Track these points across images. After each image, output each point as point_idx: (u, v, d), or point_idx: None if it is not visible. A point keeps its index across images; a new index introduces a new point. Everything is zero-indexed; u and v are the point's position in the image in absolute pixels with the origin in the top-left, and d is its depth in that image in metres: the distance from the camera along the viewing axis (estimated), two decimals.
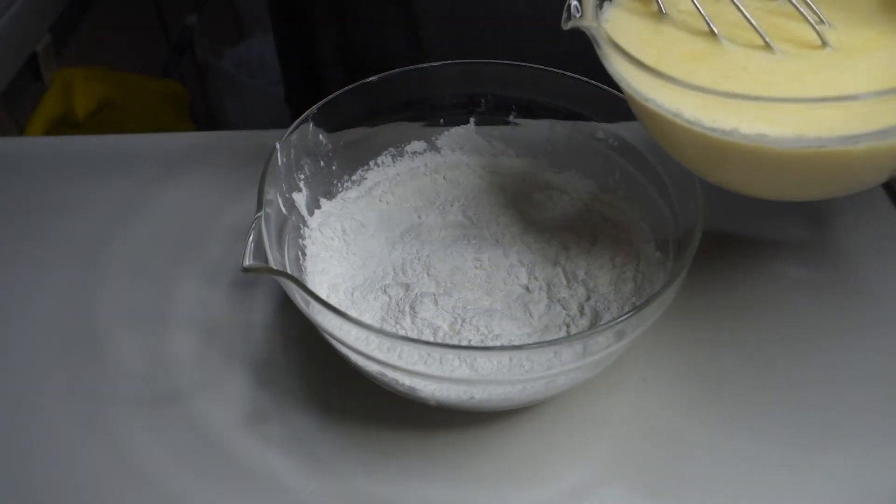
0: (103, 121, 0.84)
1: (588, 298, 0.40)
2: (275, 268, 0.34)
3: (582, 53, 0.37)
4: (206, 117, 1.21)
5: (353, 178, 0.47)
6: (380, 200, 0.46)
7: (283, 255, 0.39)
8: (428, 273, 0.41)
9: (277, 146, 0.40)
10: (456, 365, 0.35)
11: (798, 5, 0.33)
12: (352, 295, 0.40)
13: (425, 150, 0.48)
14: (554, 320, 0.39)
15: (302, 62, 0.70)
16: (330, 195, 0.46)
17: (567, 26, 0.35)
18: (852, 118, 0.29)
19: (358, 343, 0.34)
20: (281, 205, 0.40)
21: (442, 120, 0.48)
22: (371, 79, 0.44)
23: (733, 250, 0.47)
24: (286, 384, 0.40)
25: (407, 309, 0.39)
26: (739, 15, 0.34)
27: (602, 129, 0.45)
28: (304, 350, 0.42)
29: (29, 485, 0.36)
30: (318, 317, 0.34)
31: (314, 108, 0.42)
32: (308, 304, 0.34)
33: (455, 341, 0.38)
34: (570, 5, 0.35)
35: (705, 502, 0.35)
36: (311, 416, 0.39)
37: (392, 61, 0.43)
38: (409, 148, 0.48)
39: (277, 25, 0.72)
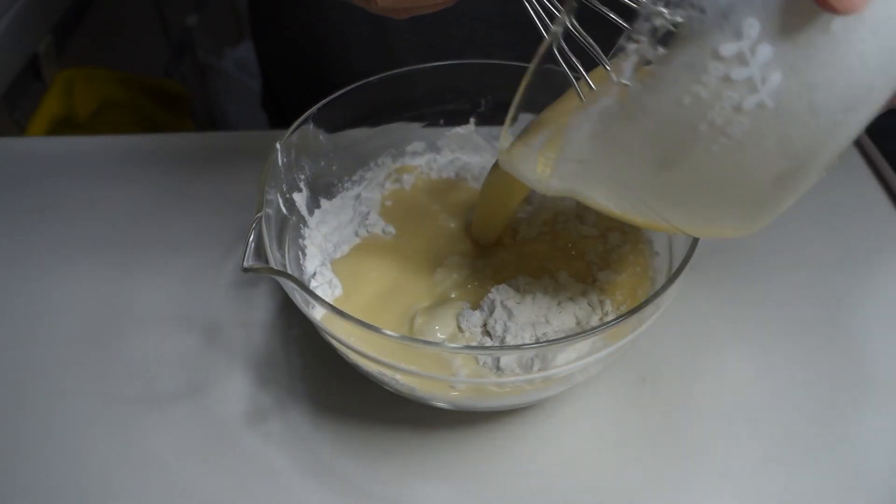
0: (104, 121, 0.84)
1: (588, 298, 0.40)
2: (275, 268, 0.34)
3: None
4: (206, 117, 1.21)
5: (354, 178, 0.47)
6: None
7: (283, 255, 0.39)
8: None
9: (278, 146, 0.40)
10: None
11: None
12: None
13: (425, 150, 0.48)
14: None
15: (275, 77, 0.72)
16: (330, 195, 0.46)
17: None
18: None
19: (358, 343, 0.34)
20: (281, 205, 0.40)
21: (442, 120, 0.48)
22: (371, 79, 0.44)
23: (733, 250, 0.47)
24: (286, 384, 0.40)
25: None
26: None
27: None
28: (304, 350, 0.42)
29: (35, 480, 0.36)
30: (317, 316, 0.34)
31: (314, 108, 0.42)
32: (308, 304, 0.34)
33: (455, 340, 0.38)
34: None
35: (705, 501, 0.35)
36: (312, 416, 0.39)
37: (364, 76, 0.43)
38: (409, 148, 0.48)
39: (255, 40, 0.73)
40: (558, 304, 0.38)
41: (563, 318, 0.38)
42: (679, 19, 0.20)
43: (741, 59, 0.21)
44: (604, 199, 0.29)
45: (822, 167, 0.24)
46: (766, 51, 0.21)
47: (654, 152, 0.24)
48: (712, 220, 0.28)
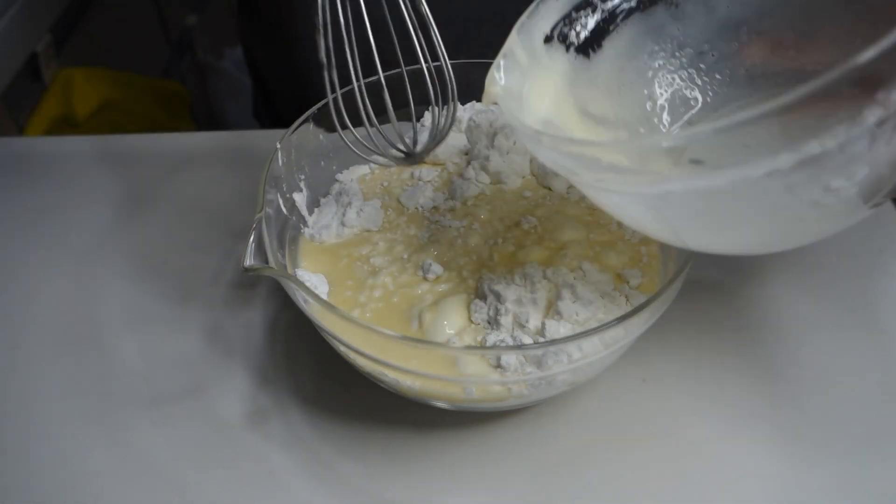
0: (103, 121, 0.84)
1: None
2: (275, 268, 0.34)
3: None
4: (206, 117, 1.21)
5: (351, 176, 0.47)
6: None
7: (283, 255, 0.39)
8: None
9: (278, 146, 0.40)
10: None
11: None
12: None
13: None
14: None
15: (262, 85, 0.72)
16: (329, 194, 0.45)
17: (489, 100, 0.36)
18: None
19: (358, 343, 0.34)
20: (281, 205, 0.40)
21: None
22: (371, 79, 0.44)
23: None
24: (286, 384, 0.40)
25: None
26: None
27: None
28: (304, 350, 0.42)
29: (31, 482, 0.36)
30: (318, 317, 0.34)
31: (314, 108, 0.42)
32: (308, 303, 0.34)
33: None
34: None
35: (706, 502, 0.36)
36: (312, 416, 0.39)
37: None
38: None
39: (245, 49, 0.74)
40: (572, 292, 0.38)
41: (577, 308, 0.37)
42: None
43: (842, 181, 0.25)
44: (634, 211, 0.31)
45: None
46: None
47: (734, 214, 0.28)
48: (729, 248, 0.33)
